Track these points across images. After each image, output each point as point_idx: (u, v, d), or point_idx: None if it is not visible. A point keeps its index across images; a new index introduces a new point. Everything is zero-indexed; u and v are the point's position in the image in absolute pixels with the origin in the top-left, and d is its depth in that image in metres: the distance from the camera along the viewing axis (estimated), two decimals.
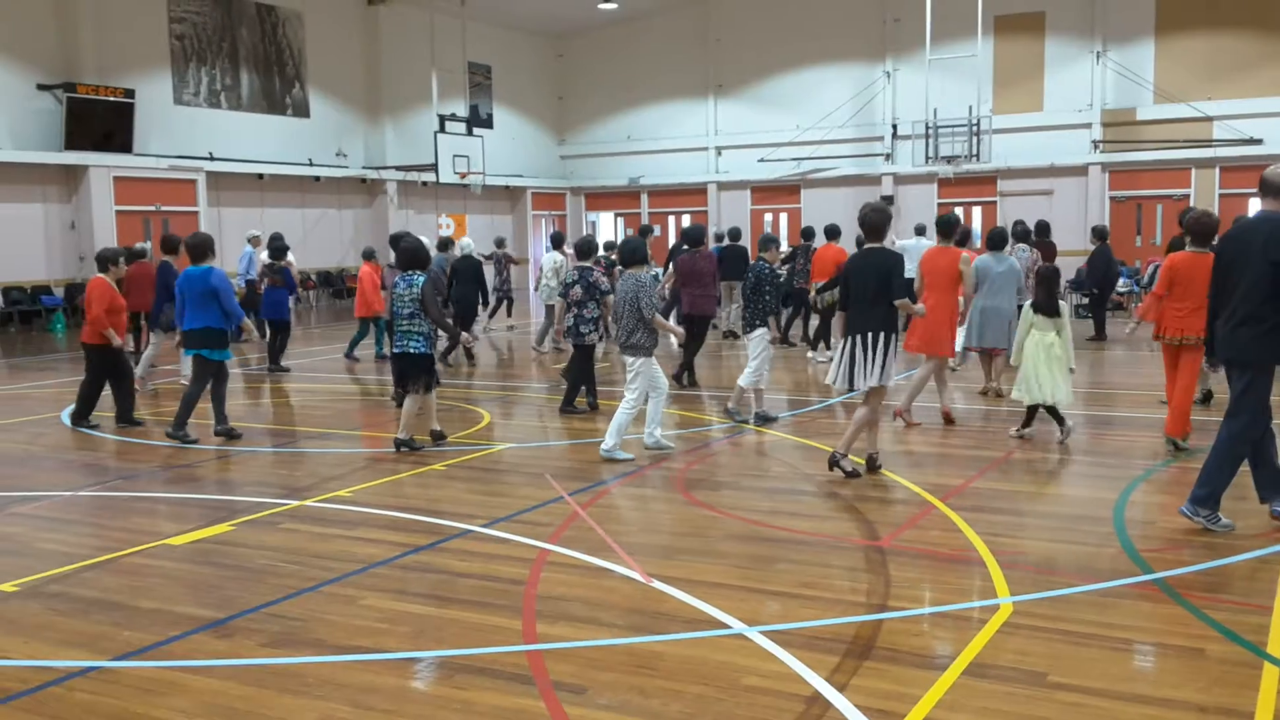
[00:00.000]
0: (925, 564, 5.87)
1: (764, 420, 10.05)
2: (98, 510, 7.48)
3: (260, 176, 25.57)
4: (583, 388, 11.04)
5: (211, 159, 24.19)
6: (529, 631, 4.90)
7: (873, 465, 7.98)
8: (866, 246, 7.93)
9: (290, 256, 15.31)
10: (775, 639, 4.71)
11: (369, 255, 15.29)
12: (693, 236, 13.19)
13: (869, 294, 7.62)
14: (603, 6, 30.82)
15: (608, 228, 34.23)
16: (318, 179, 27.11)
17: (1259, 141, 25.32)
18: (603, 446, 8.61)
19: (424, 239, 11.38)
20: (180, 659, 4.67)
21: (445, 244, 15.77)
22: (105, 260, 10.65)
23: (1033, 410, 9.13)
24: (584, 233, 30.80)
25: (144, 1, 23.06)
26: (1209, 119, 25.78)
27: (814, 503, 7.28)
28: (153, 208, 22.89)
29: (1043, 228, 16.53)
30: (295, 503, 7.38)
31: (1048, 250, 15.57)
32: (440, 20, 29.02)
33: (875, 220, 7.82)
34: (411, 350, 9.04)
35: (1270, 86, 25.29)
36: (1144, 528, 6.41)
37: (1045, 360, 8.89)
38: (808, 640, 4.71)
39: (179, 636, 4.93)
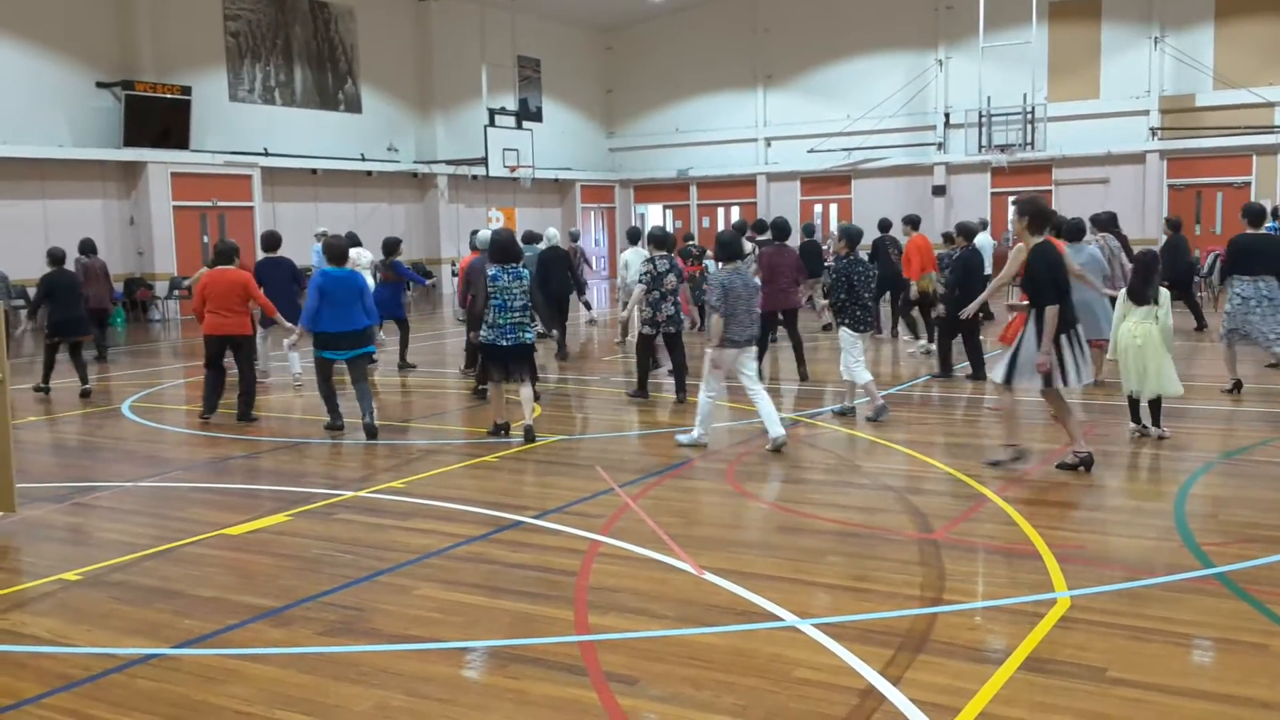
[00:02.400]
0: (980, 557, 5.81)
1: (842, 413, 9.98)
2: (158, 501, 7.62)
3: (314, 172, 25.88)
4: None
5: (266, 155, 24.52)
6: (581, 622, 4.91)
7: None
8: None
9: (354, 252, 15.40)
10: (828, 632, 4.68)
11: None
12: (782, 229, 13.04)
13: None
14: None
15: (656, 220, 34.22)
16: (370, 174, 27.38)
17: None
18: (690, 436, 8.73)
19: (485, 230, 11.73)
20: (239, 647, 4.75)
21: (533, 237, 16.11)
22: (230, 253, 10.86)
23: (1134, 402, 8.64)
24: (633, 224, 30.90)
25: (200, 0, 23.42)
26: (1270, 105, 25.21)
27: (866, 495, 7.23)
28: (209, 203, 23.26)
29: (1111, 218, 16.18)
30: (350, 493, 7.47)
31: (1121, 241, 15.27)
32: (490, 14, 29.17)
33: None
34: (526, 340, 9.24)
35: None
36: (1205, 521, 6.28)
37: (1136, 351, 8.36)
38: (861, 633, 4.68)
39: (237, 625, 5.01)
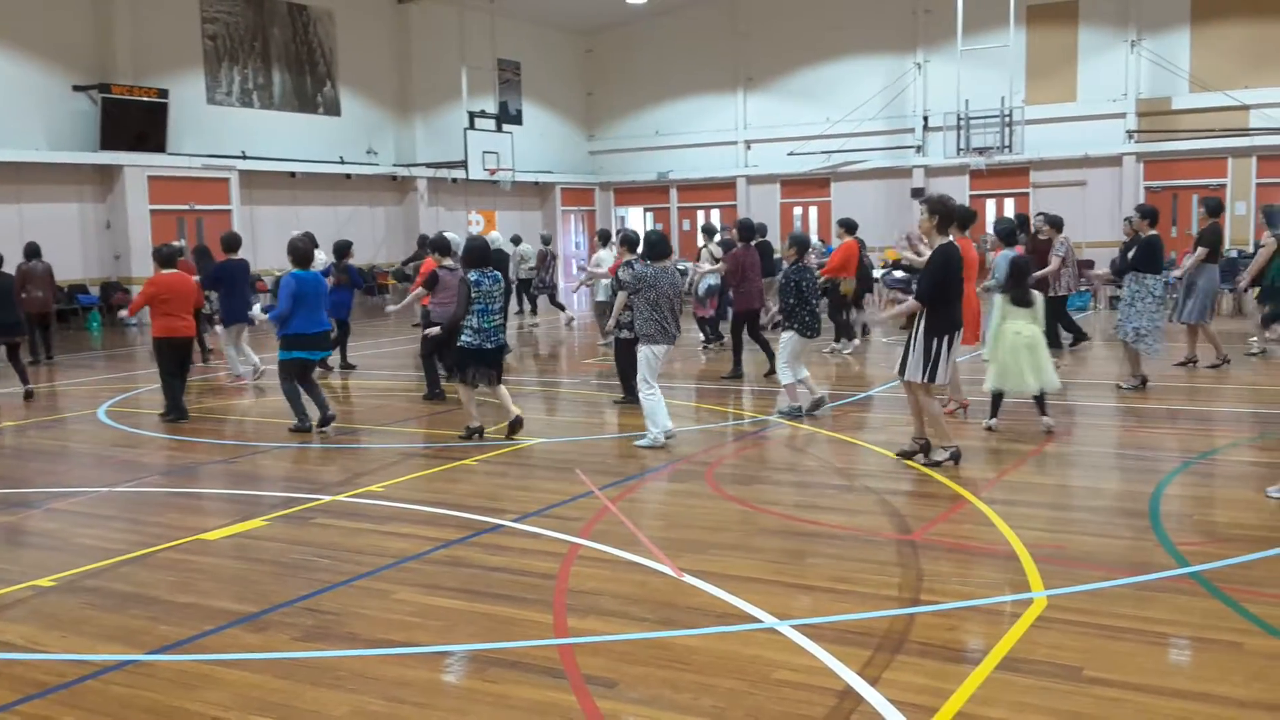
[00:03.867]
0: (958, 558, 5.83)
1: (814, 410, 10.05)
2: (134, 506, 7.56)
3: (292, 175, 25.75)
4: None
5: (244, 158, 24.38)
6: (560, 625, 4.91)
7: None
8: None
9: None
10: (807, 633, 4.69)
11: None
12: (748, 229, 13.02)
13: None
14: (631, 1, 30.80)
15: (636, 223, 34.23)
16: (349, 177, 27.26)
17: None
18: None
19: (451, 234, 11.78)
20: (215, 653, 4.72)
21: (517, 240, 16.92)
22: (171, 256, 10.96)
23: (999, 397, 9.05)
24: (612, 227, 30.85)
25: (177, 2, 23.26)
26: (1245, 108, 25.42)
27: (845, 497, 7.25)
28: (186, 207, 23.10)
29: (1023, 222, 16.31)
30: (328, 498, 7.44)
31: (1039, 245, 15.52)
32: (470, 17, 29.12)
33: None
34: (503, 342, 9.45)
35: None
36: (1181, 521, 6.33)
37: (1027, 350, 8.61)
38: (839, 634, 4.69)
39: (214, 630, 4.98)
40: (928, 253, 8.34)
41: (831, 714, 3.95)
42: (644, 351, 8.87)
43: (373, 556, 6.04)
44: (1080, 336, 14.23)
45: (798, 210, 31.33)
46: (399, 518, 6.89)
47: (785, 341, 10.01)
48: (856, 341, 15.03)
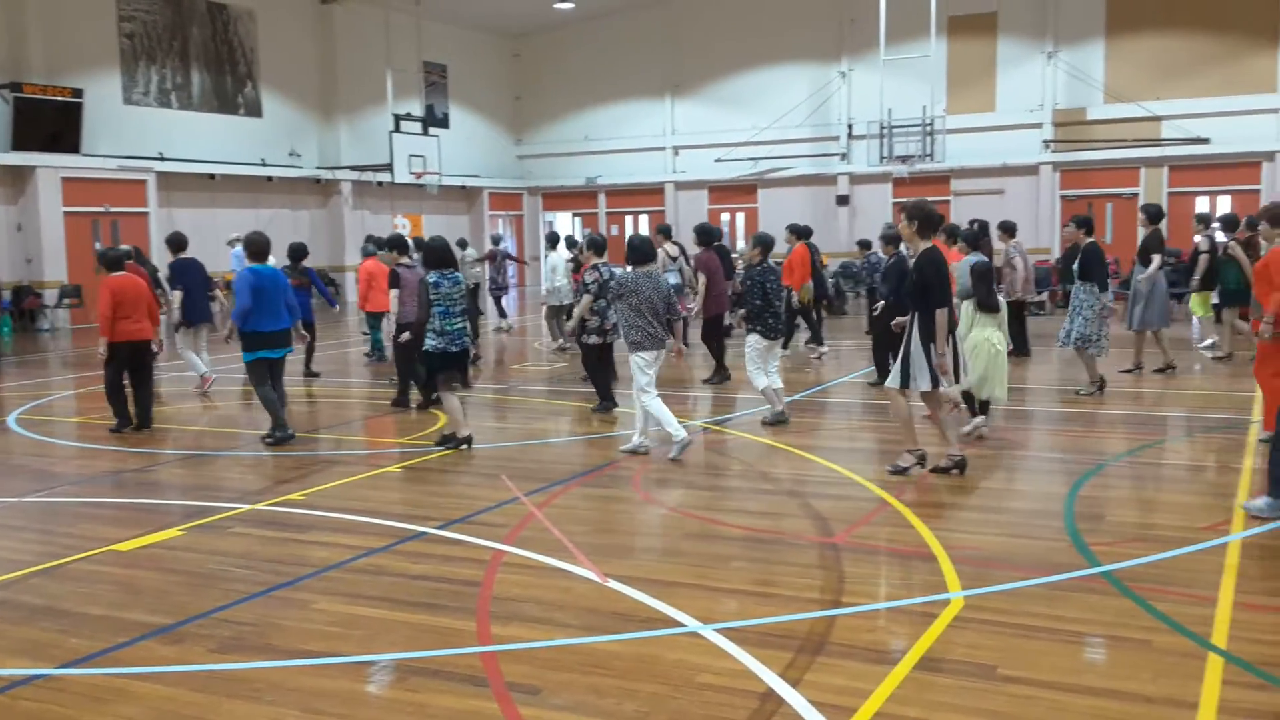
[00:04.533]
0: (879, 560, 5.92)
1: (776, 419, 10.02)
2: (45, 516, 7.35)
3: (212, 177, 25.26)
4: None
5: (162, 159, 23.86)
6: (483, 633, 4.88)
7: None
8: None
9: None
10: (730, 636, 4.72)
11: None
12: (709, 233, 13.00)
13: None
14: (559, 6, 30.77)
15: (565, 228, 34.17)
16: (270, 179, 26.83)
17: (1206, 141, 25.80)
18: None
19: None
20: (128, 666, 4.60)
21: (463, 244, 17.20)
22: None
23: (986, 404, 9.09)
24: (540, 232, 30.80)
25: (93, 0, 22.71)
26: (1158, 119, 26.21)
27: (770, 501, 7.31)
28: (102, 209, 22.52)
29: (985, 229, 16.69)
30: (247, 506, 7.30)
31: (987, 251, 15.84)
32: (395, 19, 28.82)
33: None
34: (467, 345, 9.24)
35: (1217, 87, 25.76)
36: (1093, 522, 6.49)
37: (996, 357, 8.80)
38: (762, 637, 4.72)
39: (127, 643, 4.86)
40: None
41: (753, 716, 3.99)
42: (633, 360, 8.72)
43: (292, 566, 5.94)
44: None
45: (725, 216, 31.55)
46: (320, 526, 6.78)
47: (750, 345, 9.95)
48: (825, 349, 14.96)
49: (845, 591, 5.33)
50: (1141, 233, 12.79)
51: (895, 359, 7.96)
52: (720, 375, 12.55)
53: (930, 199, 29.41)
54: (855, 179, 29.61)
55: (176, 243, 12.92)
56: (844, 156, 29.74)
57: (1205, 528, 6.24)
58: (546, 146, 34.22)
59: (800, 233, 14.98)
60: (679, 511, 7.00)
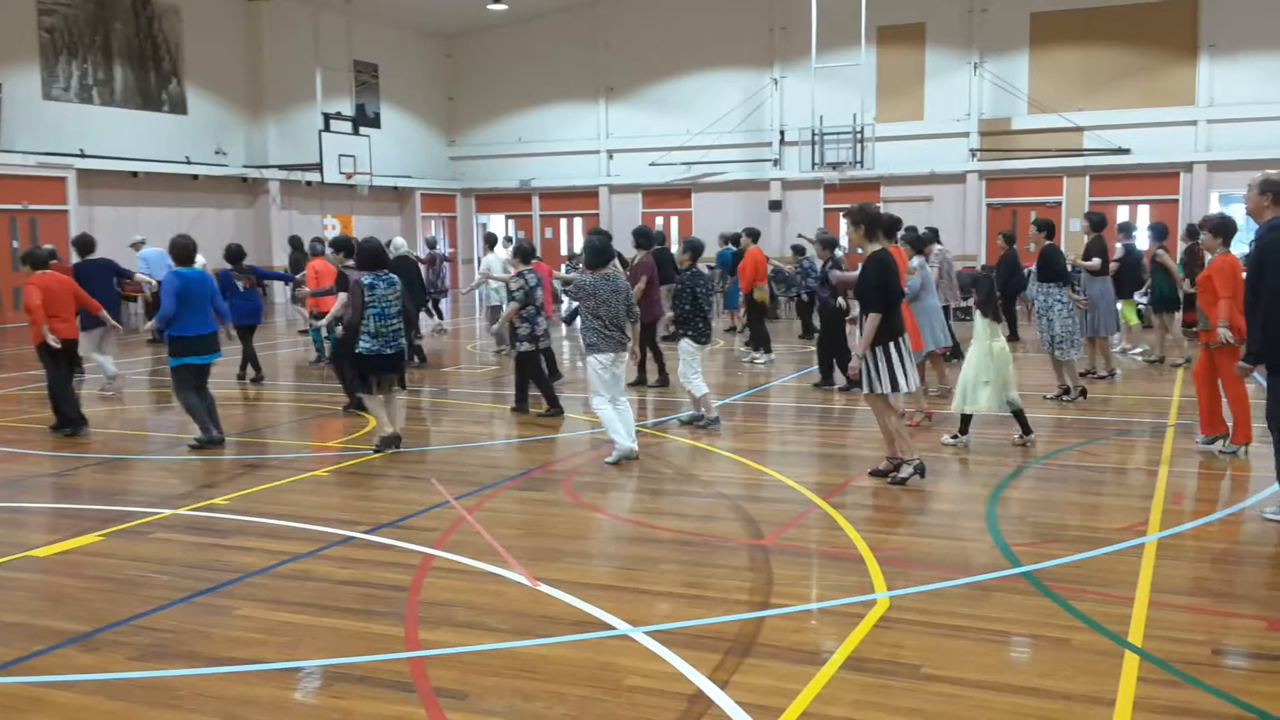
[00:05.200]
0: (807, 562, 5.99)
1: (689, 422, 10.04)
2: None
3: (135, 175, 24.68)
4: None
5: (83, 156, 23.26)
6: (411, 638, 4.83)
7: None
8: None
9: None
10: (659, 639, 4.74)
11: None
12: (648, 235, 12.96)
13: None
14: (492, 7, 30.62)
15: (499, 230, 34.01)
16: (195, 177, 26.30)
17: (1126, 151, 26.50)
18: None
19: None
20: (43, 674, 4.48)
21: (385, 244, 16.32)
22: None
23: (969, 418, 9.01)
24: (475, 234, 30.67)
25: None
26: (1079, 129, 26.86)
27: (701, 504, 7.34)
28: (20, 206, 21.89)
29: (936, 234, 17.09)
30: (169, 511, 7.15)
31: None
32: (324, 16, 28.48)
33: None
34: (402, 347, 9.15)
35: (1137, 98, 26.49)
36: (1015, 523, 6.63)
37: (999, 367, 8.70)
38: (691, 639, 4.75)
39: (42, 651, 4.73)
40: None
41: (681, 718, 4.00)
42: (591, 363, 8.61)
43: (215, 572, 5.83)
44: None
45: (659, 220, 31.64)
46: (244, 531, 6.67)
47: (683, 350, 9.96)
48: (772, 356, 14.96)
49: (774, 593, 5.38)
50: (1085, 240, 13.01)
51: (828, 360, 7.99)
52: (662, 379, 12.60)
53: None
54: (788, 185, 29.90)
55: (83, 245, 12.59)
56: (776, 162, 30.01)
57: (1123, 529, 6.40)
58: (480, 148, 34.03)
59: (753, 235, 15.11)
60: (610, 515, 7.00)
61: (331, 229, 28.94)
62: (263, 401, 12.28)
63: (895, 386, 7.54)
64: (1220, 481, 7.83)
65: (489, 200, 34.53)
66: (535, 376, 10.83)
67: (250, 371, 13.50)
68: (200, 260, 13.97)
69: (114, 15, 24.40)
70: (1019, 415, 8.86)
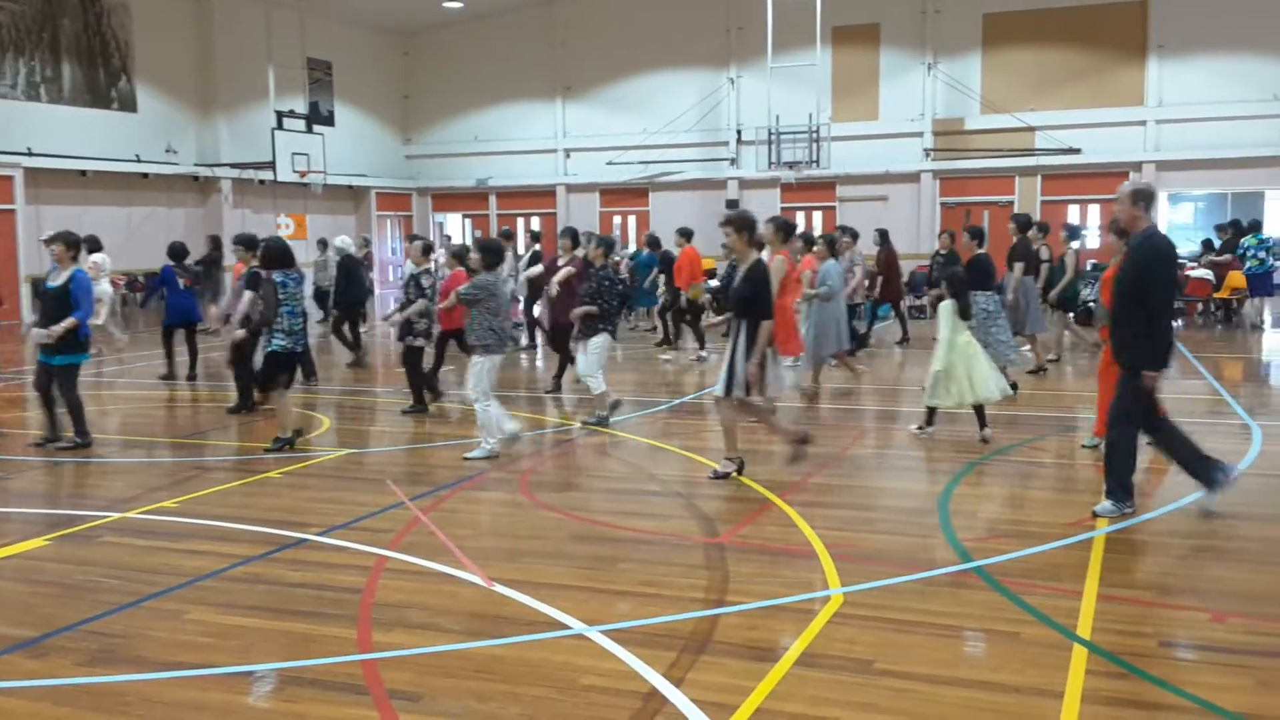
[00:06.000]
0: (762, 559, 6.01)
1: (601, 422, 10.08)
2: None
3: (83, 173, 24.28)
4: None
5: (30, 154, 22.83)
6: (364, 640, 4.80)
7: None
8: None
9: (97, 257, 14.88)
10: (615, 638, 4.74)
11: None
12: (574, 237, 12.92)
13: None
14: (448, 5, 30.46)
15: (455, 229, 33.85)
16: (146, 176, 25.91)
17: (1077, 151, 26.85)
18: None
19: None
20: None
21: (323, 244, 17.17)
22: None
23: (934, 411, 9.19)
24: (432, 233, 30.51)
25: None
26: (1031, 129, 27.18)
27: (657, 502, 7.35)
28: None
29: (884, 236, 17.38)
30: (117, 515, 7.04)
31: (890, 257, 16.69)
32: (276, 13, 28.18)
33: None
34: (308, 344, 9.44)
35: (1087, 99, 26.86)
36: (966, 518, 6.70)
37: (975, 359, 8.85)
38: (647, 638, 4.75)
39: None
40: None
41: (636, 716, 4.01)
42: (485, 363, 8.61)
43: (165, 576, 5.75)
44: (862, 343, 14.97)
45: (617, 219, 31.64)
46: (194, 534, 6.58)
47: (600, 346, 10.01)
48: (705, 353, 15.08)
49: (729, 590, 5.40)
50: (1013, 241, 13.22)
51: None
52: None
53: (818, 204, 30.05)
54: (745, 184, 30.00)
55: None
56: (733, 162, 30.11)
57: (1071, 523, 6.49)
58: (436, 147, 33.83)
59: (686, 235, 15.22)
60: (566, 514, 7.00)
61: (285, 228, 28.69)
62: (214, 403, 12.12)
63: (764, 391, 7.80)
64: (1167, 476, 7.96)
65: (445, 199, 34.34)
66: (414, 372, 10.90)
67: (186, 371, 13.47)
68: (108, 261, 14.01)
69: (62, 12, 23.98)
70: (979, 410, 8.98)
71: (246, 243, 11.02)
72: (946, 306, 8.89)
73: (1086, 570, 5.60)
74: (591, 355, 10.02)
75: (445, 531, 6.50)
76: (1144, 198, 6.61)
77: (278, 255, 9.18)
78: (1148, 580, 5.53)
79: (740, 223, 7.63)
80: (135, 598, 5.40)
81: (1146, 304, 6.36)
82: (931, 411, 9.15)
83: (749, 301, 7.54)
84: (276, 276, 9.02)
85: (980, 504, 7.14)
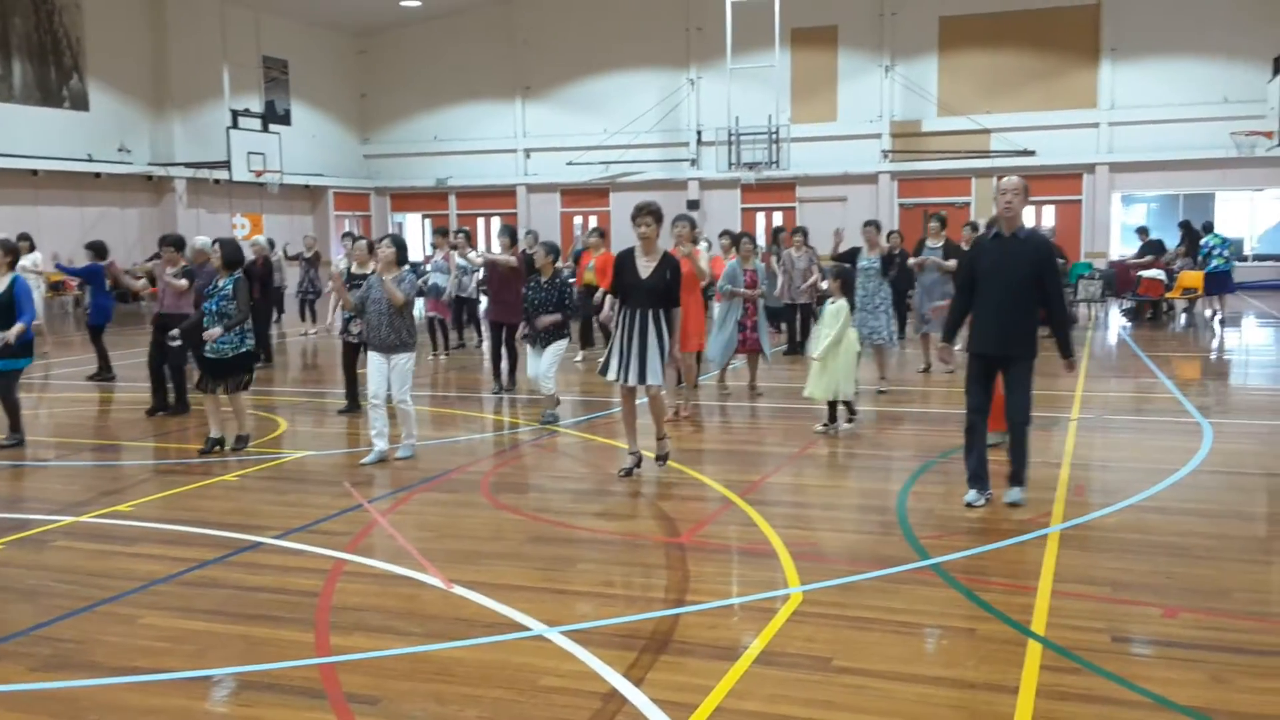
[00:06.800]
0: (722, 558, 6.04)
1: (553, 420, 10.17)
2: None
3: (34, 173, 23.90)
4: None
5: None
6: (322, 644, 4.76)
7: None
8: None
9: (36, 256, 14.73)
10: (575, 638, 4.74)
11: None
12: (515, 235, 12.95)
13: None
14: (406, 4, 30.30)
15: (415, 229, 33.69)
16: (98, 176, 25.55)
17: (1032, 153, 27.21)
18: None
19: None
20: None
21: (271, 244, 17.11)
22: None
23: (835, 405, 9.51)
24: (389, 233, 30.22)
25: None
26: (987, 131, 27.51)
27: (617, 502, 7.35)
28: None
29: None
30: (69, 519, 6.93)
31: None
32: (231, 12, 27.90)
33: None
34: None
35: (1041, 101, 27.22)
36: (923, 516, 6.76)
37: (846, 356, 9.28)
38: (607, 638, 4.75)
39: None
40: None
41: (595, 717, 4.01)
42: (409, 362, 8.74)
43: (119, 580, 5.67)
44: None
45: (578, 219, 31.63)
46: (149, 538, 6.50)
47: (559, 350, 10.21)
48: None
49: (690, 590, 5.41)
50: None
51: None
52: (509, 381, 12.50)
53: (777, 205, 30.19)
54: (705, 184, 30.10)
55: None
56: (694, 162, 30.19)
57: (1026, 520, 6.58)
58: (394, 146, 33.63)
59: (601, 235, 15.29)
60: (526, 515, 6.98)
61: (241, 228, 28.41)
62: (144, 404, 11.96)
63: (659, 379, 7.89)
64: (1119, 474, 8.08)
65: (404, 199, 34.15)
66: (349, 369, 10.94)
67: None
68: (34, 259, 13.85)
69: (12, 9, 23.59)
70: (833, 406, 9.39)
71: (175, 243, 10.94)
72: (843, 307, 9.29)
73: (1041, 566, 5.67)
74: (551, 358, 10.15)
75: (404, 534, 6.47)
76: (1028, 192, 6.83)
77: (237, 256, 9.21)
78: (1101, 576, 5.61)
79: (660, 214, 7.81)
80: (89, 602, 5.32)
81: (1047, 296, 6.68)
82: (832, 408, 9.45)
83: (668, 291, 7.74)
84: (238, 276, 9.07)
85: (938, 502, 7.20)
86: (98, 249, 13.36)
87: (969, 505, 6.88)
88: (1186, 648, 4.61)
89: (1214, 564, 5.76)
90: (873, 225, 12.09)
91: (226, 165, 26.10)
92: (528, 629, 4.88)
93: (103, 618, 5.14)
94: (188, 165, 27.15)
